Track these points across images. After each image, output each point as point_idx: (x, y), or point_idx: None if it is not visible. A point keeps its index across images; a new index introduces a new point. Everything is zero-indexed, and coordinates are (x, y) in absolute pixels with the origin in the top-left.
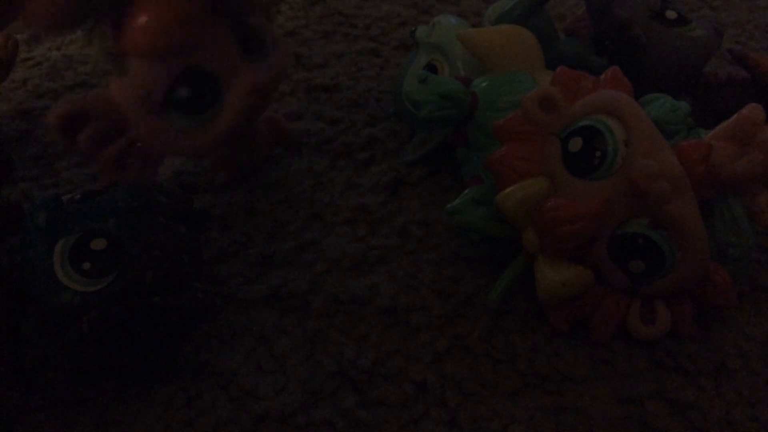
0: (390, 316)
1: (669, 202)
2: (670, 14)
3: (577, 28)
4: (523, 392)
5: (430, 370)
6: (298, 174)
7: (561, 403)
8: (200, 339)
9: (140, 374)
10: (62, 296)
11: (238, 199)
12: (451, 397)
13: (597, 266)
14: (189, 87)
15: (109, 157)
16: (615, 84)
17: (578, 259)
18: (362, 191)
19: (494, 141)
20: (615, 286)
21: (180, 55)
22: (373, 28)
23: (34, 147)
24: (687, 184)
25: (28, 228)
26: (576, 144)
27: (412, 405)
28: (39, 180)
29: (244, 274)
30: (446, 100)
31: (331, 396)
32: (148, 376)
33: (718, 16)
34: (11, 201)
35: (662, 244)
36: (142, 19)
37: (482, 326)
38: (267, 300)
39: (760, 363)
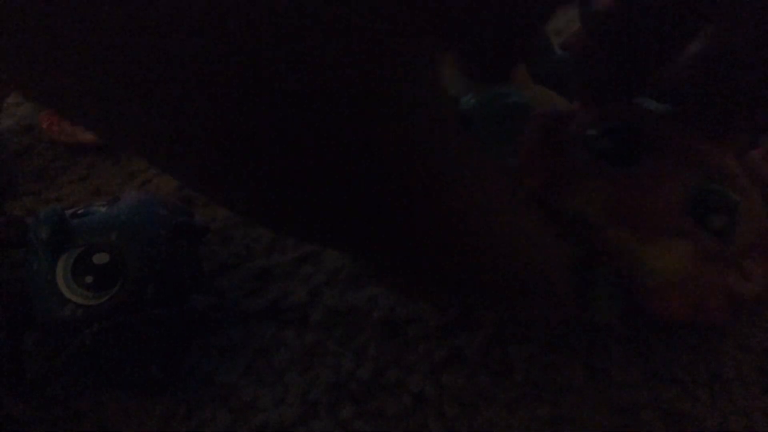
0: (388, 327)
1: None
2: None
3: (573, 42)
4: (520, 403)
5: (428, 381)
6: None
7: (557, 414)
8: (200, 351)
9: (141, 386)
10: (65, 309)
11: None
12: (449, 408)
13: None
14: None
15: None
16: None
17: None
18: None
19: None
20: (706, 257)
21: None
22: None
23: (37, 161)
24: None
25: (31, 242)
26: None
27: (411, 416)
28: (42, 194)
29: (243, 287)
30: None
31: (330, 407)
32: (149, 388)
33: None
34: (14, 215)
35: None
36: None
37: (480, 337)
38: (266, 312)
39: (756, 373)
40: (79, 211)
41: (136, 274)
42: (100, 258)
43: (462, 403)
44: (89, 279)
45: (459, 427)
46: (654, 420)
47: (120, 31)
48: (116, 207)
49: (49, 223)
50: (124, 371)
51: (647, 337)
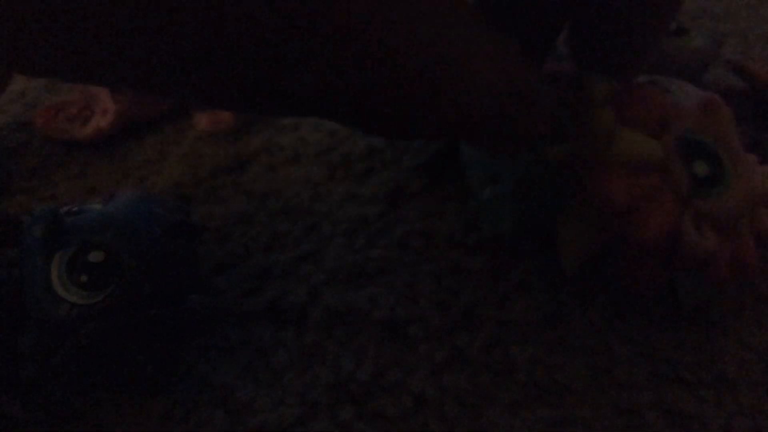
0: (388, 328)
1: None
2: None
3: None
4: (523, 404)
5: (429, 382)
6: (296, 184)
7: (561, 415)
8: (198, 352)
9: (138, 387)
10: (60, 309)
11: (236, 211)
12: (450, 409)
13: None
14: None
15: None
16: None
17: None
18: (361, 202)
19: None
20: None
21: None
22: None
23: (31, 159)
24: None
25: (25, 240)
26: None
27: (411, 417)
28: (36, 192)
29: (241, 286)
30: None
31: (329, 408)
32: (146, 388)
33: (719, 26)
34: (9, 213)
35: (723, 156)
36: None
37: (481, 338)
38: (265, 312)
39: (761, 373)
40: (74, 209)
41: (132, 273)
42: (96, 256)
43: (463, 404)
44: (84, 278)
45: (460, 429)
46: (658, 421)
47: None
48: (112, 205)
49: (43, 221)
50: (121, 372)
51: (651, 337)
